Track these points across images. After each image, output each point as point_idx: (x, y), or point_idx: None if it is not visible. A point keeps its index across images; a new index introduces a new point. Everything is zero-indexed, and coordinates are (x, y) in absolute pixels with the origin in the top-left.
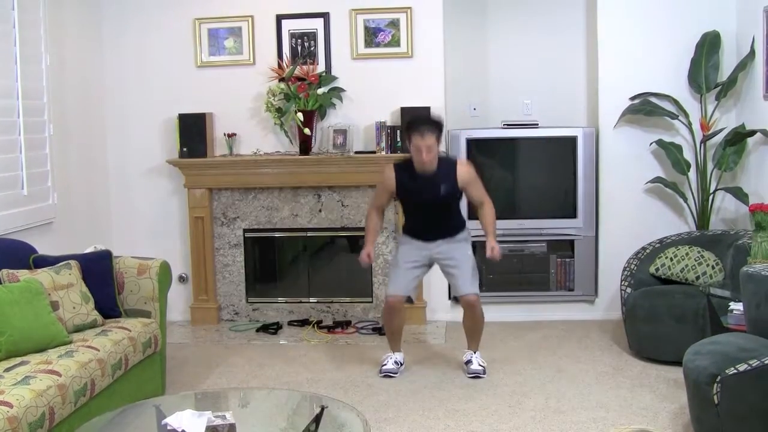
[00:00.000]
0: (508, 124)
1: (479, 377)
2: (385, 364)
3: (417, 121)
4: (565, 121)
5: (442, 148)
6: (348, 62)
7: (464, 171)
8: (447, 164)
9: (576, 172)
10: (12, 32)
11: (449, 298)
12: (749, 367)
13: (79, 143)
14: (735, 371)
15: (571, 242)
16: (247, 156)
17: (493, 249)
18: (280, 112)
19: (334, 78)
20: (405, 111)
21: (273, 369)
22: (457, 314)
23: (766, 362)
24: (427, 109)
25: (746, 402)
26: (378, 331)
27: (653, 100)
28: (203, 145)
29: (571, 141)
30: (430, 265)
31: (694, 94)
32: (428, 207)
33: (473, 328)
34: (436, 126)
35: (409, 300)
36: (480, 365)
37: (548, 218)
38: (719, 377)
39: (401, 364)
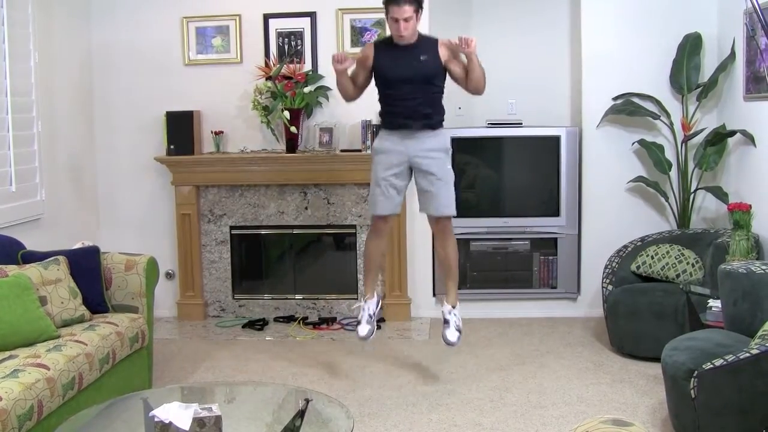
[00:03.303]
0: (492, 123)
1: (454, 346)
2: (360, 323)
3: None
4: (548, 121)
5: None
6: None
7: (446, 42)
8: (428, 39)
9: (559, 171)
10: (1, 29)
11: (433, 294)
12: (725, 363)
13: (67, 140)
14: (711, 366)
15: (554, 240)
16: (234, 154)
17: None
18: (266, 110)
19: (321, 77)
20: None
21: (259, 364)
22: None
23: (741, 357)
24: None
25: (722, 396)
26: None
27: (635, 100)
28: (190, 143)
29: (555, 140)
30: (410, 174)
31: (676, 95)
32: (408, 82)
33: (448, 259)
34: None
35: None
36: (457, 330)
37: (532, 216)
38: (696, 372)
39: (374, 316)
